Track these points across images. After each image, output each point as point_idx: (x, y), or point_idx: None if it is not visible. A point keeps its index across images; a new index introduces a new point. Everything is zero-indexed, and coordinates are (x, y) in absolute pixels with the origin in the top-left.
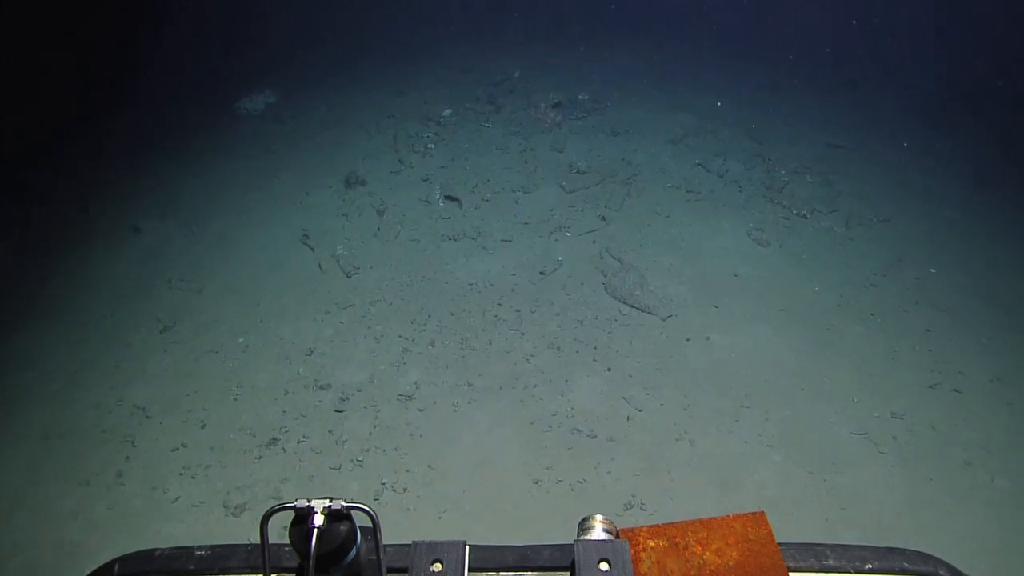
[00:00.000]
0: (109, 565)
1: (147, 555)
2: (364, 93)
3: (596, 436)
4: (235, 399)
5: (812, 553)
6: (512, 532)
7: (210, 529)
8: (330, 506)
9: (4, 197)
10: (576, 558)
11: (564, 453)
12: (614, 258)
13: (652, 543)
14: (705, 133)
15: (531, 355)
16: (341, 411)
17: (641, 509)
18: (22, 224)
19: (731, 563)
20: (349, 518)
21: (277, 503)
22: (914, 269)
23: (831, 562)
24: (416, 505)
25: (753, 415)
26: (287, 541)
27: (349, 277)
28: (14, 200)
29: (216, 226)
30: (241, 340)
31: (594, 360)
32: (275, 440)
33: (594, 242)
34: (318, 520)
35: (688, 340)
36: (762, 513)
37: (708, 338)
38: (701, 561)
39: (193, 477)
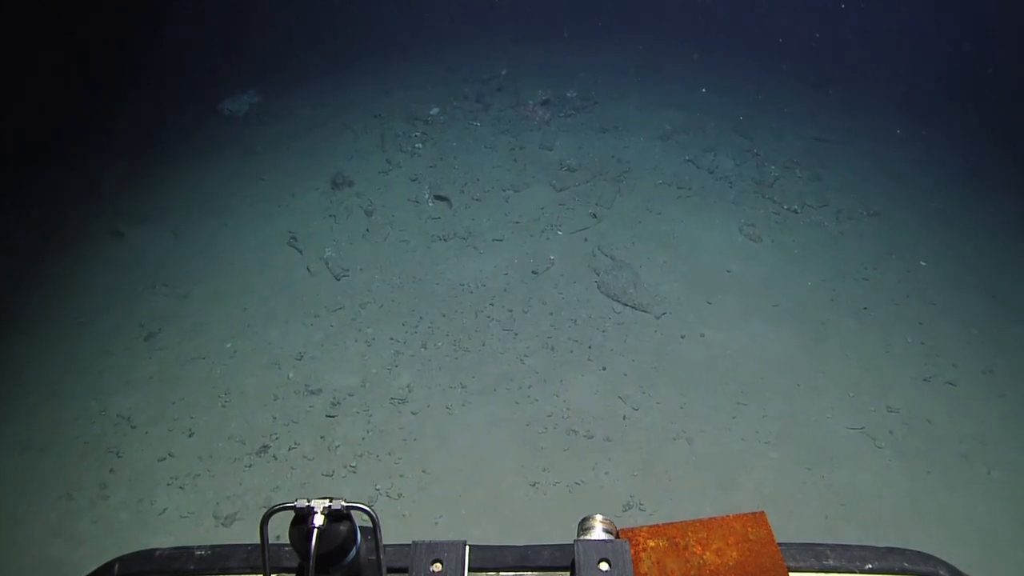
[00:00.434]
0: (109, 565)
1: (147, 555)
2: (349, 93)
3: (593, 436)
4: (223, 406)
5: (812, 553)
6: (510, 536)
7: (200, 541)
8: (330, 506)
9: None
10: (576, 558)
11: (561, 454)
12: (606, 256)
13: (652, 543)
14: (694, 129)
15: (525, 355)
16: (333, 416)
17: (640, 509)
18: None
19: (731, 563)
20: (349, 518)
21: (277, 503)
22: (904, 262)
23: (831, 562)
24: (411, 511)
25: (750, 412)
26: (287, 541)
27: (338, 279)
28: None
29: (201, 229)
30: (228, 346)
31: (589, 359)
32: (266, 447)
33: (586, 240)
34: (318, 520)
35: (683, 337)
36: (762, 513)
37: (702, 335)
38: (701, 561)
39: (181, 487)
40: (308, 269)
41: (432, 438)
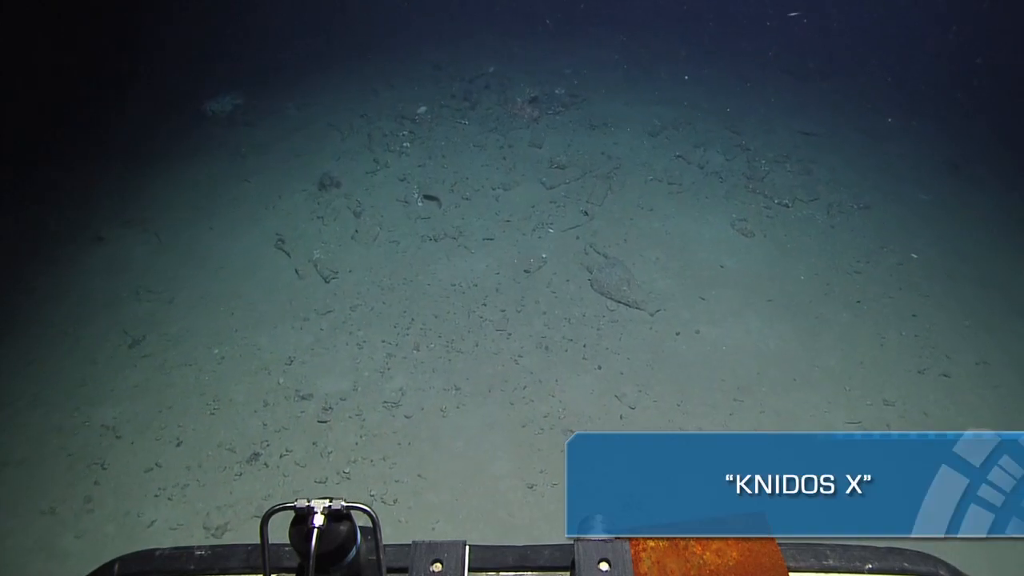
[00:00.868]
0: (109, 565)
1: (147, 555)
2: (334, 92)
3: None
4: (212, 414)
5: (812, 553)
6: (509, 539)
7: None
8: (330, 506)
9: None
10: (576, 558)
11: (558, 455)
12: (599, 253)
13: (652, 543)
14: (683, 124)
15: (519, 355)
16: (325, 421)
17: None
18: None
19: (731, 563)
20: (349, 518)
21: (277, 503)
22: (896, 255)
23: (831, 562)
24: (408, 516)
25: (747, 408)
26: (287, 541)
27: (327, 282)
28: None
29: (185, 233)
30: (216, 352)
31: (584, 358)
32: (256, 455)
33: (578, 238)
34: (318, 520)
35: (678, 334)
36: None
37: (697, 331)
38: (701, 561)
39: (170, 499)
40: (296, 272)
41: (427, 441)
